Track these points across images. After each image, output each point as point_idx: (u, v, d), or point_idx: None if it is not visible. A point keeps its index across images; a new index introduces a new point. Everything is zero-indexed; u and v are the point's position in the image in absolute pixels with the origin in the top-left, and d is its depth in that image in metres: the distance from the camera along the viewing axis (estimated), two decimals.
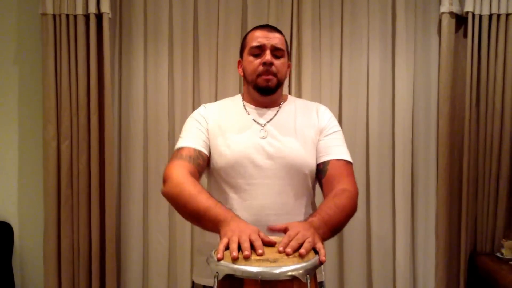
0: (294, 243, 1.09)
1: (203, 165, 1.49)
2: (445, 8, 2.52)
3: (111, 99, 2.58)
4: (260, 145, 1.47)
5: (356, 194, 1.45)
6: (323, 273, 1.54)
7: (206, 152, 1.50)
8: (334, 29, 2.63)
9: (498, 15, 2.49)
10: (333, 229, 1.29)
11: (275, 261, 1.03)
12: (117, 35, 2.67)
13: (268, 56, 1.49)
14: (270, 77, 1.49)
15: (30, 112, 2.72)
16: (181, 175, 1.37)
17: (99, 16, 2.54)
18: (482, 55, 2.53)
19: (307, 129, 1.53)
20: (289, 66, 1.60)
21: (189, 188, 1.33)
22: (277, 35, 1.53)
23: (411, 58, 2.63)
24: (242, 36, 2.61)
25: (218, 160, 1.48)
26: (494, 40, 2.50)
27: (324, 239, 1.22)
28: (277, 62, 1.50)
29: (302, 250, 1.07)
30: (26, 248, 2.76)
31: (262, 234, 1.13)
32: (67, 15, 2.52)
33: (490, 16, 2.50)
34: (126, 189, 2.69)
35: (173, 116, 2.68)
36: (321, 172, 1.50)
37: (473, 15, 2.49)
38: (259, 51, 1.50)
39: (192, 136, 1.51)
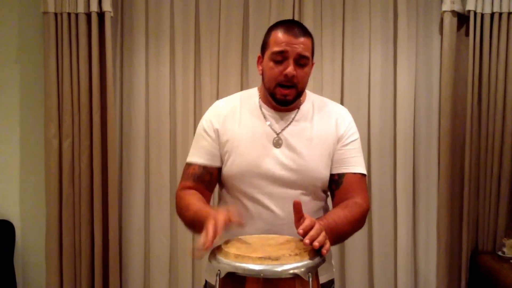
0: (313, 233, 1.10)
1: (211, 180, 1.46)
2: (446, 6, 2.52)
3: (113, 98, 2.58)
4: (274, 154, 1.41)
5: (367, 211, 1.43)
6: (333, 270, 1.54)
7: (215, 164, 1.45)
8: (335, 28, 2.63)
9: (500, 14, 2.49)
10: (336, 237, 1.27)
11: (277, 259, 1.04)
12: (118, 33, 2.67)
13: (290, 68, 1.36)
14: (288, 91, 1.38)
15: (31, 111, 2.73)
16: (178, 197, 1.44)
17: (100, 15, 2.54)
18: (483, 54, 2.53)
19: (325, 138, 1.45)
20: (312, 65, 1.46)
21: (181, 203, 1.40)
22: (302, 39, 1.37)
23: (412, 57, 2.62)
24: (244, 34, 2.63)
25: (230, 167, 1.44)
26: (495, 39, 2.50)
27: None
28: (300, 71, 1.38)
29: (315, 243, 1.08)
30: (28, 247, 2.77)
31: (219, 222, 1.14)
32: (69, 14, 2.53)
33: (492, 14, 2.50)
34: (127, 188, 2.70)
35: (174, 114, 2.68)
36: (335, 183, 1.45)
37: (475, 13, 2.49)
38: (281, 57, 1.37)
39: (199, 149, 1.48)
